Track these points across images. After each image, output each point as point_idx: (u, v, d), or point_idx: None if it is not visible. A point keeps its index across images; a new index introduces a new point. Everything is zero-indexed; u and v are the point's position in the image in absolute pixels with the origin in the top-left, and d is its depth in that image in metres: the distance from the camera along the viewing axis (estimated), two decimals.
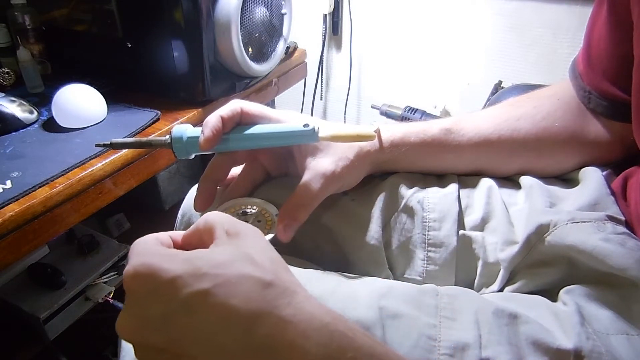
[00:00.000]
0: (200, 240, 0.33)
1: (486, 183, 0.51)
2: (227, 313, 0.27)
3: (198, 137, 0.44)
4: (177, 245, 0.34)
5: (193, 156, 0.46)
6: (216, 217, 0.32)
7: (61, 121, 0.78)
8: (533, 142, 0.50)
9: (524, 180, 0.50)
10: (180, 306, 0.27)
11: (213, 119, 0.44)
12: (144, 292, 0.28)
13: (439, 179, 0.53)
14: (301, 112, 1.66)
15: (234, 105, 0.46)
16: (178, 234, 0.35)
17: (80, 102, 0.79)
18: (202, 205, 0.49)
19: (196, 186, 0.52)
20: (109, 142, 0.47)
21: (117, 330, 0.29)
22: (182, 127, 0.45)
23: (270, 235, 0.45)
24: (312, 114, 1.64)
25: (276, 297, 0.28)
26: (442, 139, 0.50)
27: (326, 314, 0.29)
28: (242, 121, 0.46)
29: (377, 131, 0.48)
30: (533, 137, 0.50)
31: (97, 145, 0.47)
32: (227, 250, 0.30)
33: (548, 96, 0.53)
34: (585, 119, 0.50)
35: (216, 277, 0.27)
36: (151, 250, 0.29)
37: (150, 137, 0.46)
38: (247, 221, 0.46)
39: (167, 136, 0.45)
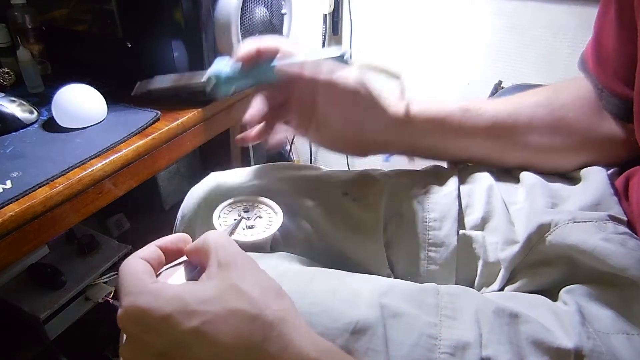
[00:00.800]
0: (198, 259, 0.33)
1: (486, 182, 0.51)
2: (217, 349, 0.28)
3: (237, 69, 0.44)
4: (171, 253, 0.35)
5: (232, 91, 0.46)
6: (213, 243, 0.33)
7: (61, 121, 0.78)
8: (547, 131, 0.50)
9: (526, 178, 0.50)
10: (173, 343, 0.28)
11: (247, 45, 0.45)
12: (138, 332, 0.29)
13: (439, 178, 0.53)
14: None
15: (273, 41, 0.46)
16: (168, 242, 0.35)
17: (80, 102, 0.79)
18: (252, 118, 0.48)
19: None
20: (146, 90, 0.45)
21: None
22: (218, 65, 0.45)
23: (271, 233, 0.45)
24: None
25: (265, 331, 0.28)
26: (459, 116, 0.50)
27: (314, 348, 0.29)
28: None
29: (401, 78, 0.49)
30: (547, 126, 0.50)
31: (135, 94, 0.46)
32: (215, 284, 0.30)
33: (567, 87, 0.52)
34: (600, 115, 0.50)
35: (204, 314, 0.28)
36: (139, 287, 0.30)
37: (187, 82, 0.45)
38: (248, 218, 0.46)
39: (206, 76, 0.45)
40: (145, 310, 0.28)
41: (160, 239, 0.35)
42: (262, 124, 0.49)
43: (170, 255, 0.35)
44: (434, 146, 0.52)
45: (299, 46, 0.47)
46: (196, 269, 0.34)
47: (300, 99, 0.48)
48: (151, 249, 0.34)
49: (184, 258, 0.35)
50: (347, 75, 0.46)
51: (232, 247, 0.32)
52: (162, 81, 0.45)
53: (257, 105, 0.47)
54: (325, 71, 0.45)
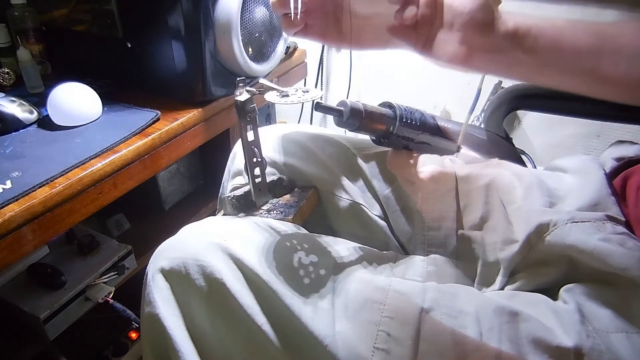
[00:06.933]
0: None
1: (483, 181, 0.51)
2: None
3: None
4: None
5: None
6: None
7: (56, 119, 0.79)
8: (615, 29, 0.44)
9: (523, 177, 0.50)
10: None
11: None
12: None
13: (436, 179, 0.53)
14: (301, 112, 1.66)
15: None
16: None
17: (73, 100, 0.79)
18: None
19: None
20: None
21: None
22: None
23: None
24: (312, 114, 1.64)
25: None
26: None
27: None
28: None
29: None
30: (612, 27, 0.44)
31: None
32: None
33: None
34: None
35: None
36: None
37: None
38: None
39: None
40: None
41: None
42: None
43: None
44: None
45: None
46: None
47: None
48: None
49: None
50: None
51: None
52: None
53: None
54: None
